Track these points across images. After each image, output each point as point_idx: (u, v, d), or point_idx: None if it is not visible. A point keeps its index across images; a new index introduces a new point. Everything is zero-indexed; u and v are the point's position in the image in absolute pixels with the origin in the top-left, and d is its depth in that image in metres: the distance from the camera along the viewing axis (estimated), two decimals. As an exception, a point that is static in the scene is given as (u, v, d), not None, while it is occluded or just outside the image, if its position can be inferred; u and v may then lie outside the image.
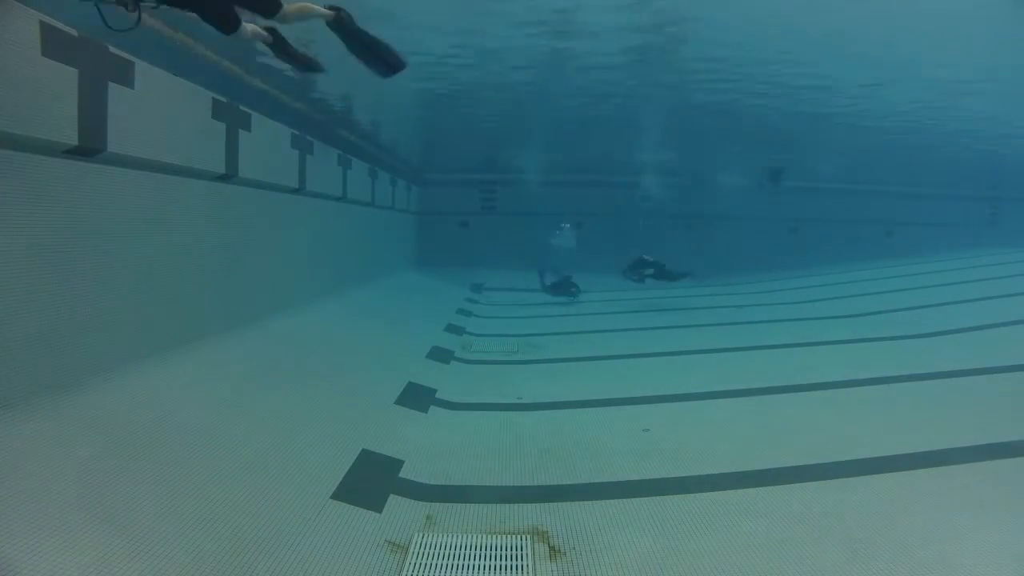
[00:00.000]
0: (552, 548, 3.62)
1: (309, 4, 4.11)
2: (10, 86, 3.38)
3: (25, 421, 3.39)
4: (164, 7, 3.41)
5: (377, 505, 4.02)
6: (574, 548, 3.62)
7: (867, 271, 15.25)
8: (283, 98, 7.62)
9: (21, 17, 3.44)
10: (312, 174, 8.27)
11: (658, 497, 4.23)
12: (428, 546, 3.59)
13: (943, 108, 10.36)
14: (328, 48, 4.97)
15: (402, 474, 4.55)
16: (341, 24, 4.32)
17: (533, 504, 4.18)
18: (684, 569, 3.37)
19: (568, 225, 15.81)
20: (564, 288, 13.98)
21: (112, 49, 4.22)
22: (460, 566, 3.41)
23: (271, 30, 4.40)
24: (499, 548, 3.58)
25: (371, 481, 4.35)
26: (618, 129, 12.07)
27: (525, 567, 3.40)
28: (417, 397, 6.25)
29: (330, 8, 4.30)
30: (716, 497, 4.22)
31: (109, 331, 4.30)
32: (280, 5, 3.92)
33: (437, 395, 6.45)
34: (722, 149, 14.42)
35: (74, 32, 3.83)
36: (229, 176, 6.03)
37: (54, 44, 3.65)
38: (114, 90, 4.24)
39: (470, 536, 3.72)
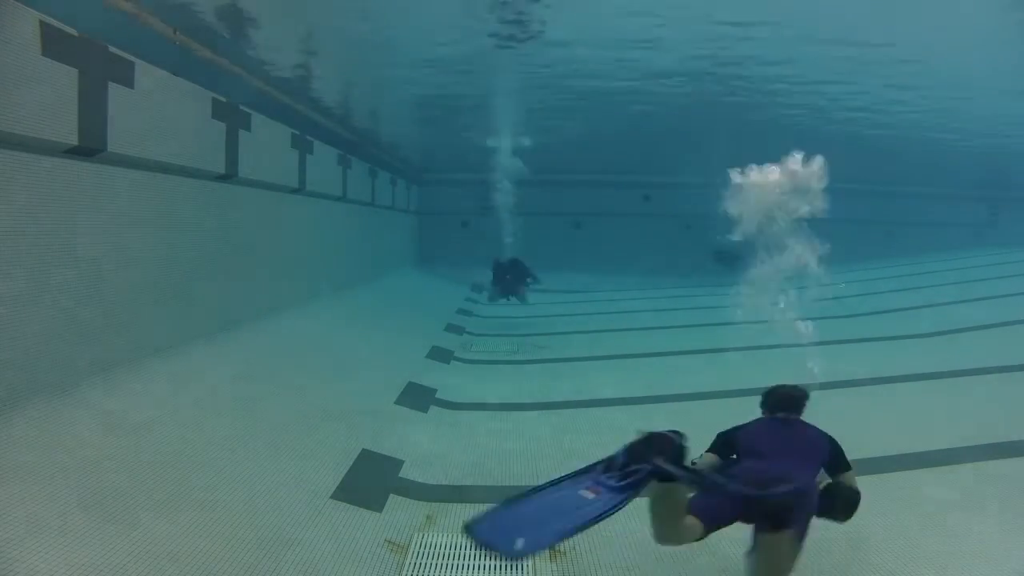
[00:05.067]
0: (552, 548, 3.61)
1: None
2: (10, 86, 3.38)
3: (25, 421, 3.39)
4: None
5: (377, 505, 4.02)
6: (574, 548, 3.62)
7: (867, 271, 15.23)
8: (283, 98, 7.61)
9: (21, 17, 3.44)
10: (312, 174, 8.27)
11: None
12: (428, 546, 3.60)
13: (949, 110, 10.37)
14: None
15: (402, 474, 4.55)
16: None
17: (533, 504, 4.18)
18: (685, 568, 3.38)
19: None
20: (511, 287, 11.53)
21: (112, 49, 4.21)
22: (460, 566, 3.41)
23: None
24: (499, 548, 3.58)
25: (371, 481, 4.35)
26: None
27: (525, 567, 3.40)
28: (417, 397, 6.25)
29: None
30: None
31: (109, 331, 4.29)
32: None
33: (437, 395, 6.45)
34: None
35: (74, 32, 3.83)
36: (229, 176, 6.03)
37: (54, 44, 3.64)
38: (114, 90, 4.24)
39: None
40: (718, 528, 2.68)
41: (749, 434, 3.13)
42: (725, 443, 3.17)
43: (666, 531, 2.62)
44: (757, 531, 2.66)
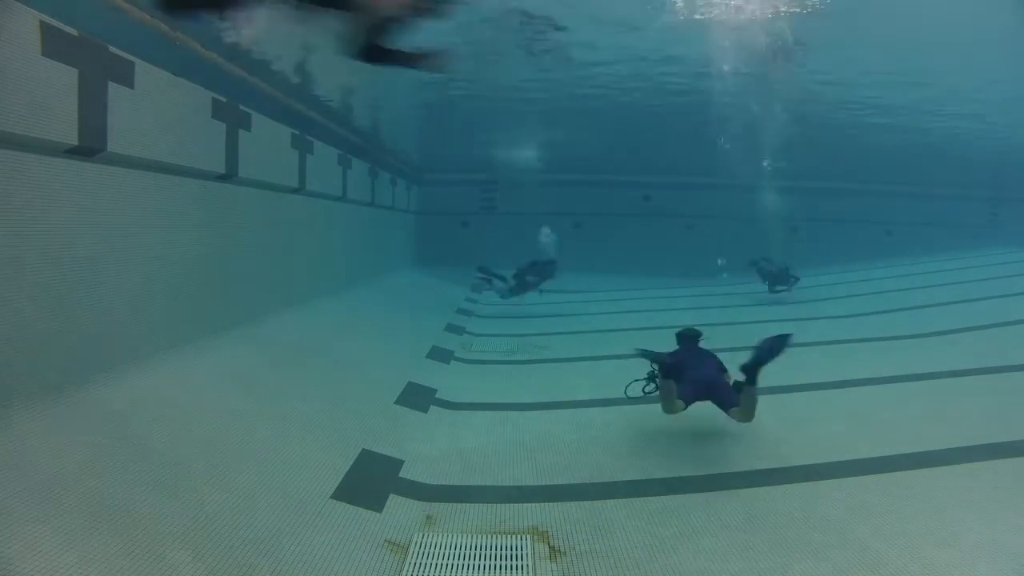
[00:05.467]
0: (552, 548, 3.62)
1: None
2: (10, 86, 3.38)
3: (26, 421, 3.39)
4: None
5: (377, 505, 4.02)
6: (574, 548, 3.62)
7: (867, 271, 15.24)
8: (283, 98, 7.61)
9: (21, 17, 3.44)
10: (312, 174, 8.27)
11: (657, 497, 4.24)
12: (428, 546, 3.60)
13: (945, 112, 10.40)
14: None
15: (402, 474, 4.55)
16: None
17: (533, 504, 4.18)
18: (683, 568, 3.38)
19: (548, 230, 14.81)
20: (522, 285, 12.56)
21: (112, 49, 4.22)
22: (460, 566, 3.41)
23: None
24: (499, 548, 3.58)
25: (371, 481, 4.35)
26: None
27: (525, 567, 3.40)
28: (417, 397, 6.25)
29: None
30: (715, 497, 4.22)
31: (109, 331, 4.30)
32: None
33: (437, 395, 6.45)
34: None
35: (74, 32, 3.83)
36: (229, 176, 6.03)
37: (54, 44, 3.65)
38: (114, 90, 4.24)
39: (470, 536, 3.72)
40: (690, 405, 4.70)
41: (684, 356, 5.10)
42: (670, 367, 4.88)
43: (668, 406, 4.75)
44: (727, 403, 4.68)
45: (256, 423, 4.66)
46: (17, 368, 3.49)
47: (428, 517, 3.98)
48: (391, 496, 4.17)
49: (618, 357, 8.38)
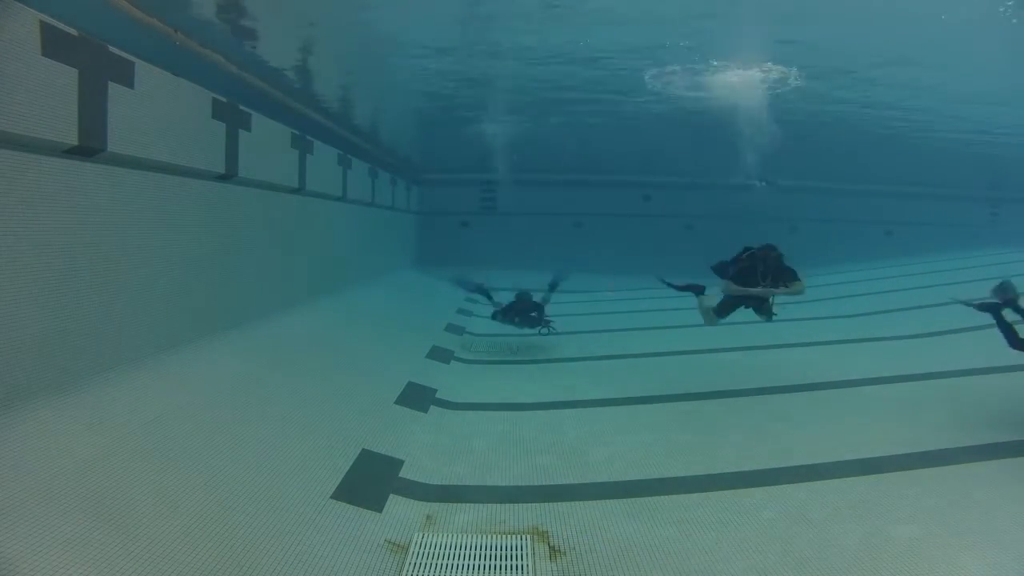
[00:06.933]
0: (552, 548, 3.62)
1: None
2: (10, 86, 3.38)
3: (26, 421, 3.39)
4: None
5: (377, 505, 4.02)
6: (574, 548, 3.62)
7: (867, 271, 15.24)
8: (283, 98, 7.61)
9: (21, 17, 3.44)
10: (312, 174, 8.26)
11: (656, 497, 4.24)
12: (428, 546, 3.60)
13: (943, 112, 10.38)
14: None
15: (402, 474, 4.55)
16: None
17: (533, 504, 4.18)
18: (683, 567, 3.38)
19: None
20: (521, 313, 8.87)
21: (112, 49, 4.21)
22: (460, 566, 3.41)
23: None
24: (499, 548, 3.58)
25: (371, 481, 4.35)
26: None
27: (525, 567, 3.40)
28: (417, 397, 6.25)
29: None
30: (715, 497, 4.22)
31: (109, 332, 4.29)
32: None
33: (437, 395, 6.45)
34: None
35: (74, 32, 3.83)
36: (229, 176, 6.03)
37: (54, 44, 3.65)
38: (114, 90, 4.24)
39: (470, 536, 3.72)
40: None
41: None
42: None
43: (706, 320, 6.78)
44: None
45: (256, 423, 4.66)
46: (18, 368, 3.49)
47: (428, 517, 3.98)
48: (391, 496, 4.18)
49: (618, 356, 8.40)
